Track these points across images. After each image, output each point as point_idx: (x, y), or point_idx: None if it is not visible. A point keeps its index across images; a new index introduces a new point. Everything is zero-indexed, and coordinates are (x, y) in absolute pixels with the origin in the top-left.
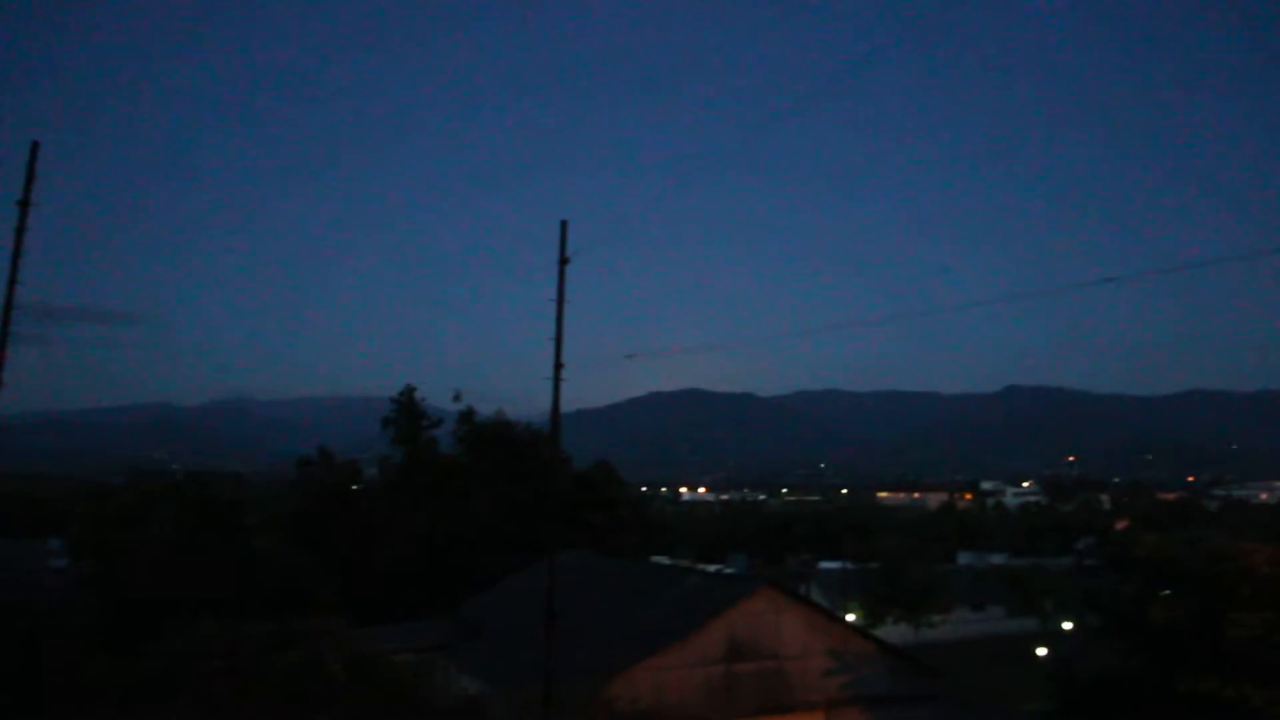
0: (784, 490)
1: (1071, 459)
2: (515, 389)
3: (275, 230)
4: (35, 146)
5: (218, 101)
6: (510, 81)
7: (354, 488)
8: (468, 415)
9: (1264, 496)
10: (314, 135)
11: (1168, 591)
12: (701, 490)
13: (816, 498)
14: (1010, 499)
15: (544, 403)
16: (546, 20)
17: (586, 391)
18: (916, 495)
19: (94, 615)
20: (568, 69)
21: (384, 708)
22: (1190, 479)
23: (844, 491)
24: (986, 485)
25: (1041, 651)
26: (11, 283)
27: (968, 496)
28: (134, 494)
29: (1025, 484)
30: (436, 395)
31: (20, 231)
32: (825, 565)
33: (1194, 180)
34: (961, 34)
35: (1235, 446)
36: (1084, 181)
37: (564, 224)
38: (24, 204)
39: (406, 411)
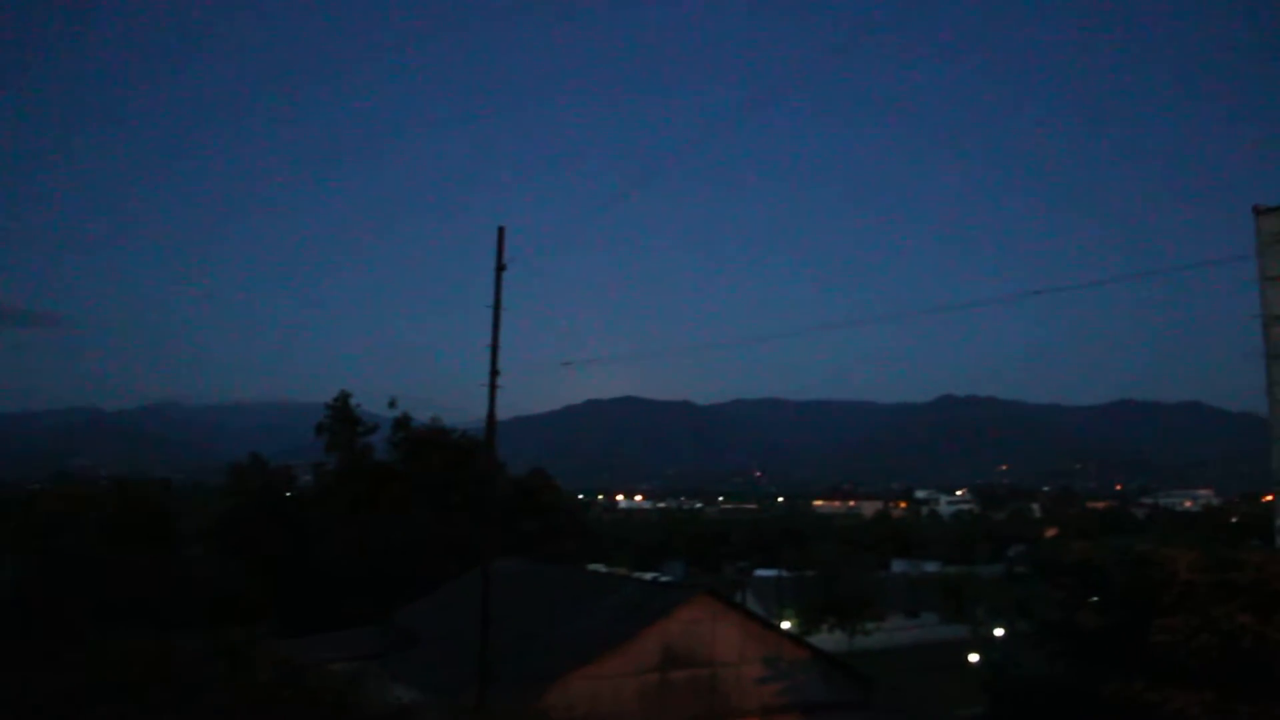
0: (721, 498)
1: (1004, 468)
2: (452, 396)
3: (205, 232)
4: None
5: (142, 97)
6: (444, 89)
7: (287, 494)
8: (403, 422)
9: (1188, 504)
10: (249, 142)
11: (1095, 598)
12: (638, 498)
13: (753, 506)
14: (944, 507)
15: (480, 410)
16: (477, 28)
17: (523, 399)
18: (852, 504)
19: (12, 625)
20: (501, 77)
21: (318, 717)
22: (1118, 487)
23: (780, 500)
24: (921, 494)
25: (974, 658)
26: None
27: (902, 505)
28: (59, 500)
29: (959, 493)
30: (372, 401)
31: None
32: (761, 573)
33: (1129, 193)
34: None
35: (1162, 456)
36: (1023, 194)
37: (501, 230)
38: None
39: (341, 418)
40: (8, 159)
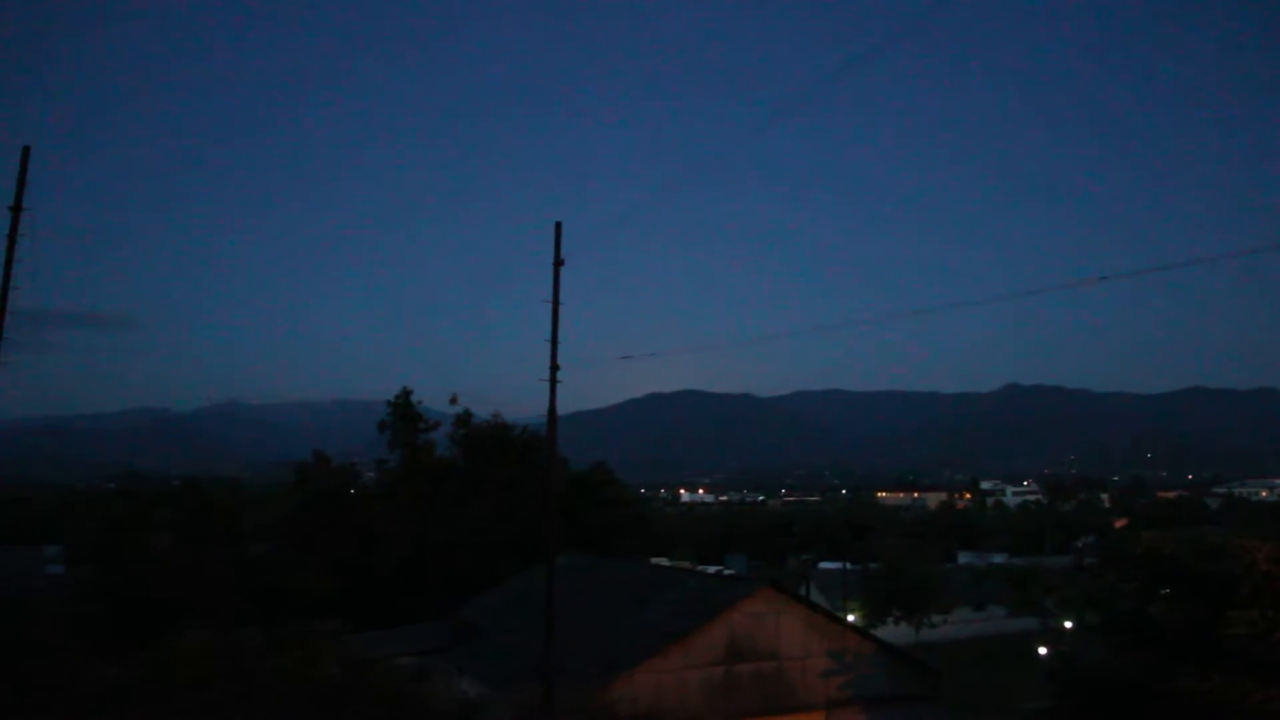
0: (783, 491)
1: (1071, 458)
2: (512, 391)
3: (269, 234)
4: (27, 151)
5: (213, 106)
6: (505, 84)
7: (351, 491)
8: (464, 418)
9: (1264, 494)
10: (308, 140)
11: (1167, 589)
12: (700, 491)
13: (816, 498)
14: (1010, 498)
15: (541, 405)
16: (541, 23)
17: (583, 393)
18: (916, 495)
19: (90, 621)
20: (562, 71)
21: (383, 712)
22: (1190, 477)
23: (843, 491)
24: (986, 484)
25: (1042, 651)
26: (4, 289)
27: (967, 496)
28: (130, 500)
29: (1025, 483)
30: (433, 398)
31: (13, 237)
32: (825, 565)
33: (1192, 178)
34: (957, 36)
35: (1235, 444)
36: (1082, 181)
37: (558, 225)
38: (16, 209)
39: (403, 415)
40: (80, 170)
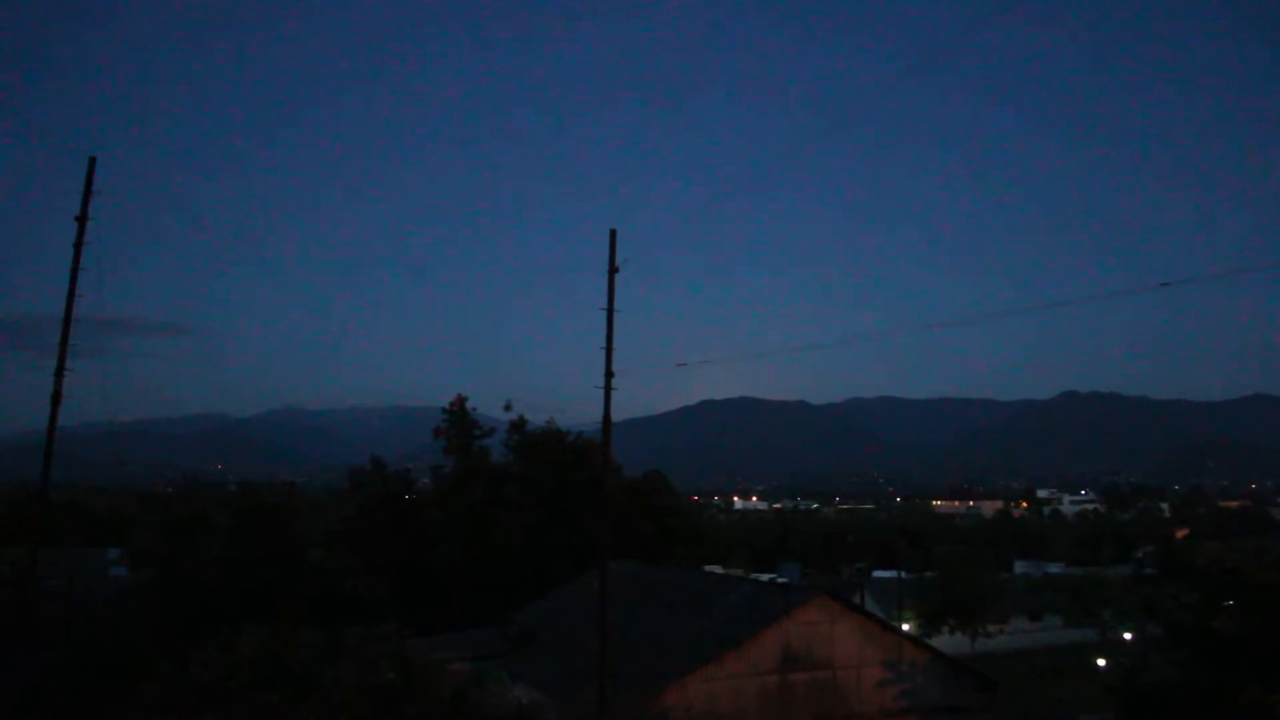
0: (837, 498)
1: (1129, 465)
2: (566, 398)
3: (328, 241)
4: (93, 162)
5: (268, 113)
6: (562, 93)
7: (406, 497)
8: (519, 424)
9: None
10: (366, 147)
11: (1231, 601)
12: (754, 498)
13: (870, 506)
14: (1067, 506)
15: (595, 411)
16: (599, 34)
17: (638, 400)
18: (972, 503)
19: (151, 623)
20: (620, 81)
21: (439, 716)
22: (1253, 486)
23: (898, 499)
24: (1043, 493)
25: (1101, 662)
26: (70, 296)
27: (1024, 504)
28: (189, 504)
29: (1083, 491)
30: (488, 404)
31: (78, 246)
32: (880, 574)
33: (1253, 184)
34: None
35: None
36: (1141, 188)
37: (613, 233)
38: (82, 219)
39: (458, 421)
40: (145, 184)
